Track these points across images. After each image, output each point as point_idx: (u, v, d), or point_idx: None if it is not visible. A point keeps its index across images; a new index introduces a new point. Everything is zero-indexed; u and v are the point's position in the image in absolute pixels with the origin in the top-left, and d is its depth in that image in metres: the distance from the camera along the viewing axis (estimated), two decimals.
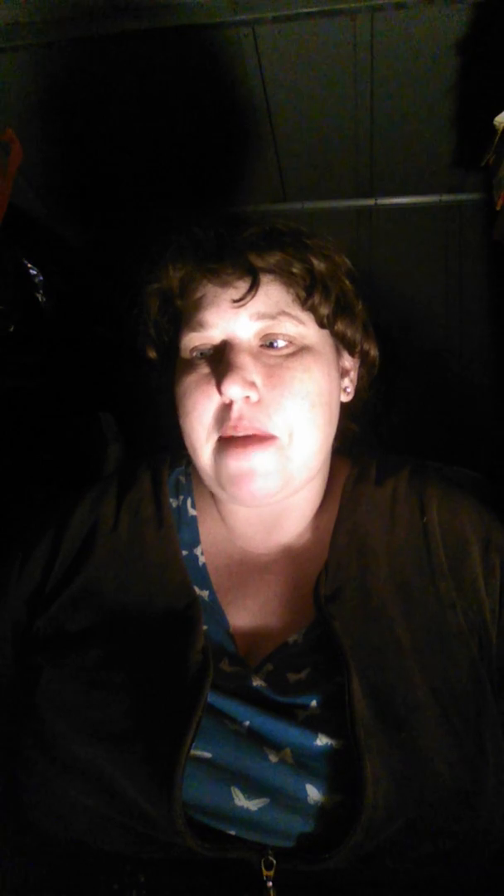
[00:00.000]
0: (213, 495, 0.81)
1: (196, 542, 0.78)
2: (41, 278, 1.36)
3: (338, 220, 1.67)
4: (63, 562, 0.76)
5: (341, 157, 1.48)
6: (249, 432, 0.68)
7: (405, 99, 1.30)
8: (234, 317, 0.70)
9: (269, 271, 0.71)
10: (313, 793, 0.58)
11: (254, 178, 1.56)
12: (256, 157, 1.48)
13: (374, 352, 0.82)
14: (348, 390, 0.81)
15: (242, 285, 0.70)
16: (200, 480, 0.83)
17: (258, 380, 0.68)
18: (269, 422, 0.68)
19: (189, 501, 0.80)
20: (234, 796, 0.58)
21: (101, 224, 1.72)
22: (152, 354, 0.81)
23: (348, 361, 0.80)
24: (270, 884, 0.56)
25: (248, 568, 0.76)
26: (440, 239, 1.64)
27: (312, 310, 0.72)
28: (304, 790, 0.58)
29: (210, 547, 0.78)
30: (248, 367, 0.68)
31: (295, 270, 0.71)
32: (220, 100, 1.31)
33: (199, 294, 0.72)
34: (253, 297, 0.69)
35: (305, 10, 1.11)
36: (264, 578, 0.75)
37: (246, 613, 0.72)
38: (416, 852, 0.57)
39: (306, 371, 0.70)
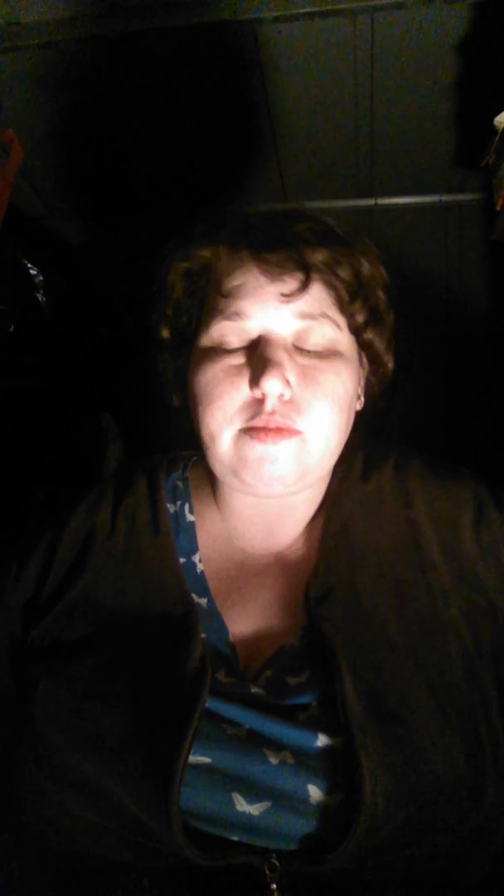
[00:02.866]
0: (213, 496, 0.81)
1: (194, 549, 0.77)
2: (41, 278, 1.36)
3: (338, 220, 1.67)
4: (58, 571, 0.75)
5: (341, 157, 1.48)
6: (279, 426, 0.68)
7: (405, 99, 1.30)
8: (275, 311, 0.69)
9: (318, 270, 0.70)
10: (315, 793, 0.58)
11: (254, 178, 1.56)
12: (256, 157, 1.48)
13: (391, 364, 0.82)
14: (361, 399, 0.80)
15: (291, 281, 0.69)
16: (199, 484, 0.83)
17: (292, 378, 0.68)
18: (298, 419, 0.68)
19: (187, 507, 0.80)
20: (236, 802, 0.58)
21: (101, 224, 1.72)
22: (165, 335, 0.80)
23: (363, 369, 0.80)
24: (275, 886, 0.55)
25: (247, 571, 0.76)
26: (440, 239, 1.64)
27: (350, 315, 0.72)
28: (306, 790, 0.58)
29: (209, 551, 0.77)
30: (286, 365, 0.67)
31: (342, 273, 0.71)
32: (220, 100, 1.31)
33: (238, 282, 0.70)
34: (302, 294, 0.68)
35: (305, 10, 1.11)
36: (262, 582, 0.75)
37: (245, 618, 0.72)
38: (419, 848, 0.57)
39: (338, 375, 0.70)
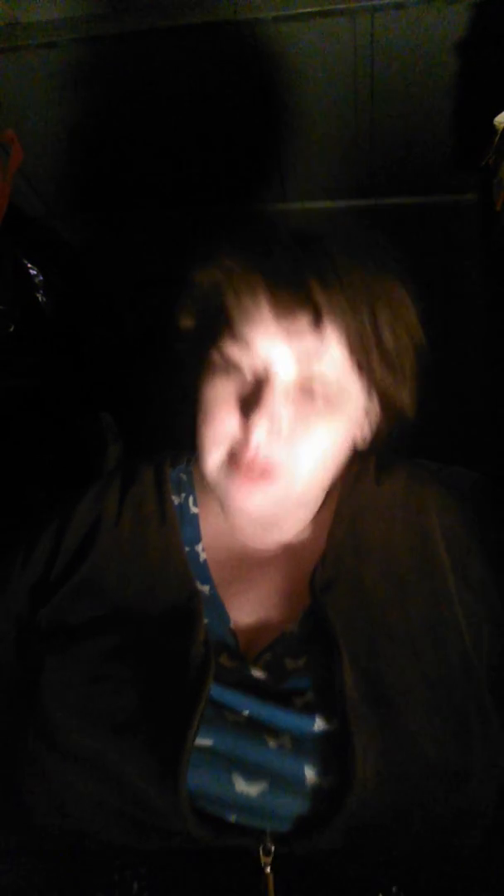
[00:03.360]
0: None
1: (197, 539, 0.78)
2: (41, 278, 1.36)
3: (338, 220, 1.67)
4: (65, 554, 0.77)
5: (341, 157, 1.48)
6: (261, 468, 0.68)
7: (405, 99, 1.30)
8: (281, 347, 0.67)
9: (330, 314, 0.67)
10: (310, 774, 0.60)
11: (254, 178, 1.56)
12: (256, 157, 1.48)
13: (410, 414, 0.78)
14: (365, 437, 0.78)
15: (300, 321, 0.66)
16: (202, 478, 0.83)
17: (283, 423, 0.68)
18: (280, 462, 0.68)
19: (191, 499, 0.81)
20: (235, 782, 0.60)
21: (102, 224, 1.72)
22: (187, 324, 0.78)
23: (374, 411, 0.76)
24: (269, 870, 0.57)
25: (249, 562, 0.77)
26: (440, 239, 1.64)
27: (362, 361, 0.70)
28: (302, 772, 0.60)
29: (211, 542, 0.78)
30: (280, 413, 0.67)
31: (357, 320, 0.67)
32: (219, 100, 1.32)
33: (247, 310, 0.68)
34: (309, 337, 0.66)
35: (305, 10, 1.11)
36: (264, 572, 0.76)
37: (247, 607, 0.73)
38: (407, 832, 0.59)
39: (331, 431, 0.70)
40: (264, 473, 0.68)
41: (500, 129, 1.06)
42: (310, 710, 0.63)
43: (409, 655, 0.66)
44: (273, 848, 0.58)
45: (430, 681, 0.65)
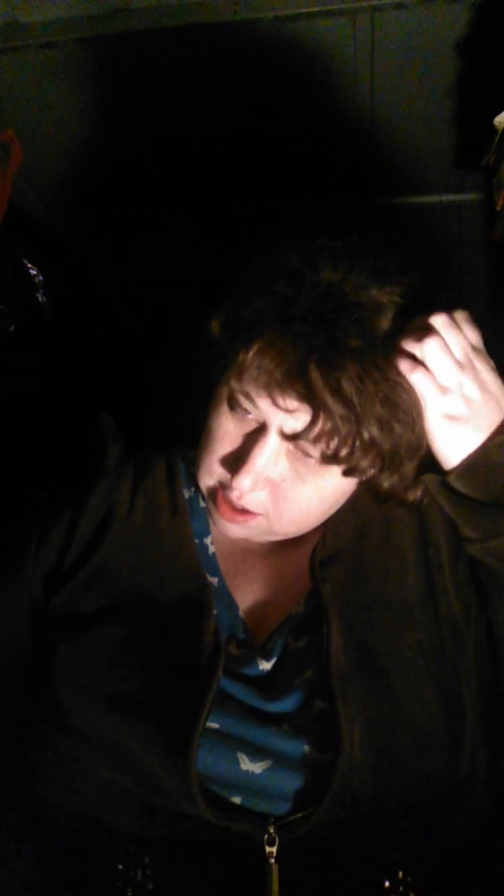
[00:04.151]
0: None
1: (206, 532, 0.80)
2: (41, 278, 1.36)
3: (338, 220, 1.66)
4: (78, 543, 0.78)
5: (341, 157, 1.48)
6: (245, 508, 0.69)
7: (405, 99, 1.30)
8: (280, 413, 0.65)
9: (329, 419, 0.63)
10: (309, 751, 0.63)
11: (254, 178, 1.56)
12: (256, 157, 1.48)
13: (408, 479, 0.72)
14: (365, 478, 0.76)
15: (298, 399, 0.64)
16: None
17: (274, 477, 0.68)
18: (259, 506, 0.69)
19: (200, 493, 0.82)
20: (241, 761, 0.62)
21: (102, 224, 1.72)
22: (216, 330, 0.75)
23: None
24: (273, 860, 0.59)
25: (254, 554, 0.79)
26: (440, 239, 1.64)
27: (346, 456, 0.66)
28: (302, 750, 0.63)
29: (218, 535, 0.80)
30: (269, 468, 0.67)
31: (348, 420, 0.63)
32: (219, 100, 1.32)
33: (256, 367, 0.65)
34: (305, 413, 0.64)
35: (305, 10, 1.11)
36: (270, 561, 0.78)
37: (254, 595, 0.75)
38: (400, 797, 0.61)
39: (323, 487, 0.69)
40: (245, 512, 0.70)
41: (500, 129, 1.06)
42: (310, 693, 0.65)
43: (405, 624, 0.69)
44: (277, 838, 0.59)
45: (423, 648, 0.67)
